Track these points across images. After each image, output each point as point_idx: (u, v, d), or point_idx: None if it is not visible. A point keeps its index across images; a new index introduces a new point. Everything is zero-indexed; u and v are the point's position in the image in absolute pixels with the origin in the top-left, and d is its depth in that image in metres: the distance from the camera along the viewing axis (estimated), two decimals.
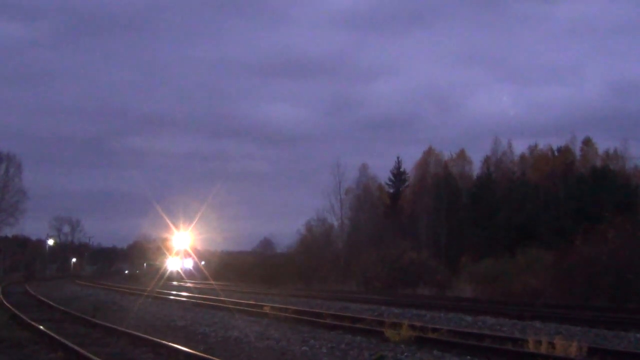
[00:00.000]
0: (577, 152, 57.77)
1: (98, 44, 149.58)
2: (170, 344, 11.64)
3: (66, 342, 11.94)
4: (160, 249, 73.16)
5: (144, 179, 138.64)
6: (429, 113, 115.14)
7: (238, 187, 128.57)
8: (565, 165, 53.99)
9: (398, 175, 62.00)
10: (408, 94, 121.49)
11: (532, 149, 60.80)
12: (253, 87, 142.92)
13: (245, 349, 12.06)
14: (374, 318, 17.09)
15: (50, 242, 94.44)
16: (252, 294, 32.64)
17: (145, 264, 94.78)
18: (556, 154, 57.77)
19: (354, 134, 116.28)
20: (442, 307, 21.98)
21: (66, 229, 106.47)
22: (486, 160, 58.55)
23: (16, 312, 19.58)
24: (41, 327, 14.88)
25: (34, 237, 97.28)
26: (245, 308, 21.58)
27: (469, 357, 10.79)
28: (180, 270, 64.94)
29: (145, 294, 30.61)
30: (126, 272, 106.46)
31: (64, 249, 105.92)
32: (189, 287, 42.24)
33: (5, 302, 24.20)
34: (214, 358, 10.00)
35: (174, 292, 33.24)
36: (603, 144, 76.52)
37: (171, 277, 59.96)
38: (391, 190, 62.91)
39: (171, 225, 60.49)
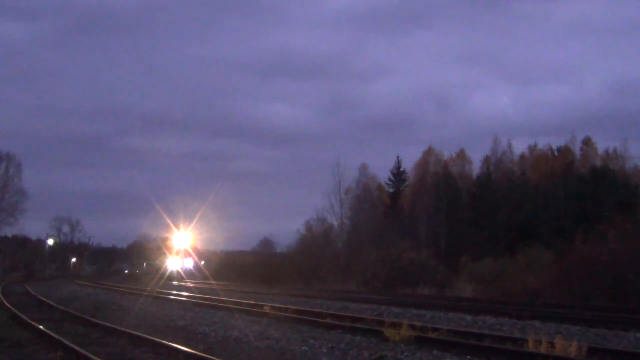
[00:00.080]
0: (577, 152, 57.83)
1: (98, 44, 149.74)
2: (171, 344, 11.64)
3: (66, 342, 11.94)
4: (160, 248, 73.24)
5: (144, 179, 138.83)
6: (429, 113, 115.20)
7: (238, 187, 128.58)
8: (565, 165, 53.98)
9: (398, 175, 62.01)
10: (408, 94, 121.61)
11: (532, 149, 60.90)
12: (253, 87, 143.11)
13: (245, 349, 12.07)
14: (374, 318, 17.09)
15: (50, 242, 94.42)
16: (252, 294, 32.64)
17: (145, 264, 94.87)
18: (556, 154, 57.80)
19: (354, 134, 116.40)
20: (442, 307, 21.97)
21: (66, 229, 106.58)
22: (486, 160, 58.57)
23: (16, 312, 19.59)
24: (41, 327, 14.88)
25: (34, 237, 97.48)
26: (246, 308, 21.58)
27: (469, 357, 10.78)
28: (180, 270, 64.97)
29: (146, 294, 30.61)
30: (126, 272, 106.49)
31: (64, 249, 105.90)
32: (189, 287, 42.24)
33: (6, 302, 24.21)
34: (214, 358, 10.00)
35: (175, 292, 33.23)
36: (603, 144, 76.52)
37: (172, 277, 59.99)
38: (391, 190, 62.91)
39: (171, 225, 60.56)
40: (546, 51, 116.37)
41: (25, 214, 66.69)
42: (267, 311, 19.50)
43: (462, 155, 62.81)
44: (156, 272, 59.68)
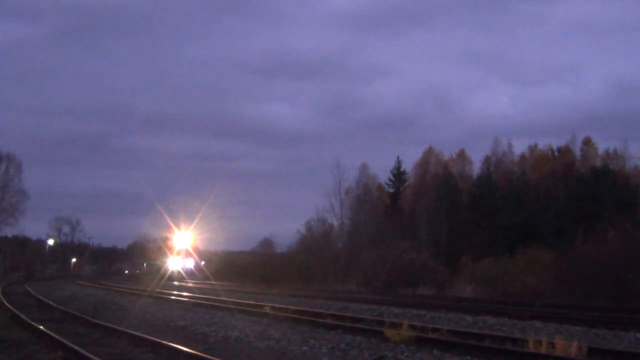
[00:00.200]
0: (577, 152, 57.86)
1: (98, 44, 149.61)
2: (171, 344, 11.64)
3: (66, 342, 11.94)
4: (161, 248, 73.26)
5: (144, 179, 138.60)
6: (429, 113, 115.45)
7: (238, 187, 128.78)
8: (565, 165, 54.00)
9: (398, 175, 62.01)
10: (408, 94, 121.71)
11: (532, 149, 60.93)
12: (253, 87, 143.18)
13: (246, 349, 12.06)
14: (374, 318, 17.09)
15: (50, 242, 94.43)
16: (252, 293, 32.64)
17: (145, 264, 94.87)
18: (556, 154, 57.80)
19: (354, 134, 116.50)
20: (442, 307, 21.96)
21: (66, 229, 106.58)
22: (486, 160, 58.62)
23: (16, 312, 19.58)
24: (41, 327, 14.87)
25: (34, 237, 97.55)
26: (246, 308, 21.58)
27: (469, 357, 10.78)
28: (181, 270, 64.99)
29: (146, 294, 30.61)
30: (126, 272, 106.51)
31: (64, 249, 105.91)
32: (190, 287, 42.24)
33: (5, 302, 24.20)
34: (214, 358, 10.00)
35: (175, 292, 33.23)
36: (603, 144, 76.63)
37: (172, 277, 60.00)
38: (391, 190, 62.91)
39: (172, 225, 60.61)
40: (546, 51, 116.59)
41: (25, 214, 66.71)
42: (267, 311, 19.50)
43: (462, 155, 62.86)
44: (156, 272, 59.71)
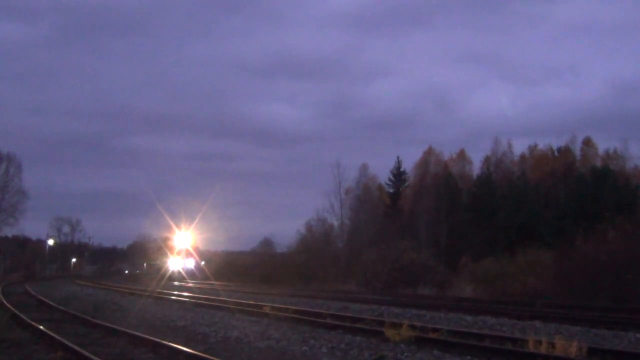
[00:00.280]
0: (577, 152, 57.85)
1: (98, 44, 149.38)
2: (171, 344, 11.64)
3: (66, 342, 11.95)
4: (161, 248, 73.27)
5: (144, 179, 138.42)
6: (429, 113, 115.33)
7: (238, 187, 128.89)
8: (565, 165, 54.00)
9: (398, 175, 61.99)
10: (408, 94, 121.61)
11: (532, 149, 60.91)
12: (253, 87, 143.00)
13: (246, 349, 12.07)
14: (374, 318, 17.09)
15: (50, 242, 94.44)
16: (252, 293, 32.64)
17: (145, 264, 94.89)
18: (556, 154, 57.81)
19: (354, 134, 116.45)
20: (442, 307, 21.95)
21: (66, 229, 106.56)
22: (486, 160, 58.60)
23: (16, 312, 19.58)
24: (41, 327, 14.87)
25: (34, 237, 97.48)
26: (246, 308, 21.58)
27: (469, 357, 10.78)
28: (181, 270, 64.99)
29: (146, 294, 30.61)
30: (126, 272, 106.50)
31: (64, 249, 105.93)
32: (190, 287, 42.25)
33: (5, 302, 24.20)
34: (214, 358, 10.00)
35: (176, 293, 33.23)
36: (603, 144, 76.51)
37: (173, 277, 59.99)
38: (391, 190, 62.90)
39: (172, 225, 60.68)
40: (546, 51, 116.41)
41: (25, 214, 66.74)
42: (267, 311, 19.50)
43: (462, 155, 62.86)
44: (156, 272, 59.71)
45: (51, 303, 24.20)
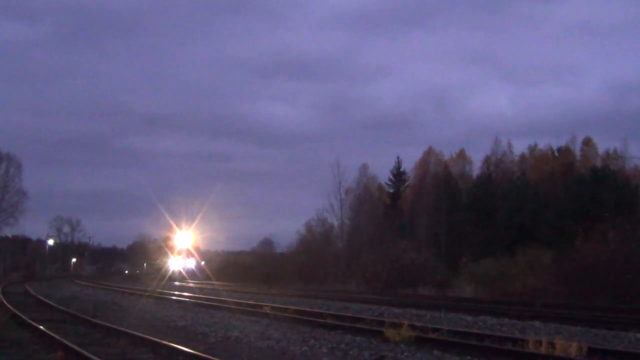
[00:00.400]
0: (577, 152, 57.87)
1: (98, 44, 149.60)
2: (171, 344, 11.64)
3: (66, 342, 11.94)
4: (161, 248, 73.36)
5: (145, 179, 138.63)
6: (429, 113, 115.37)
7: (238, 187, 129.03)
8: (565, 165, 54.01)
9: (398, 175, 62.01)
10: (408, 94, 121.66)
11: (532, 149, 60.95)
12: (253, 87, 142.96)
13: (246, 349, 12.07)
14: (374, 318, 17.09)
15: (50, 242, 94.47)
16: (253, 293, 32.65)
17: (145, 264, 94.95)
18: (556, 154, 57.82)
19: (354, 134, 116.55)
20: (442, 307, 21.97)
21: (66, 229, 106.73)
22: (486, 160, 58.62)
23: (16, 312, 19.57)
24: (41, 327, 14.87)
25: (34, 237, 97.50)
26: (246, 308, 21.59)
27: (469, 357, 10.78)
28: (182, 270, 65.02)
29: (147, 294, 30.62)
30: (126, 272, 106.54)
31: (64, 249, 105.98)
32: (191, 287, 42.23)
33: (5, 302, 24.18)
34: (214, 358, 10.00)
35: (176, 293, 33.23)
36: (603, 144, 76.58)
37: (173, 277, 60.00)
38: (391, 190, 62.92)
39: (173, 225, 60.75)
40: (546, 51, 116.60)
41: (25, 214, 66.60)
42: (267, 311, 19.51)
43: (462, 155, 62.89)
44: (157, 272, 59.75)
45: (51, 303, 24.20)
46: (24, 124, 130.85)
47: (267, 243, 70.06)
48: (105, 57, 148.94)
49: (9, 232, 77.45)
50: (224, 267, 65.05)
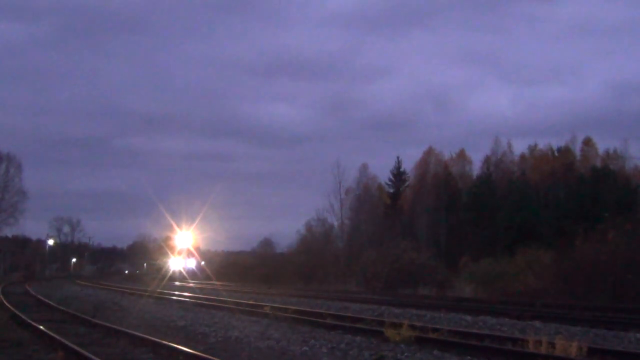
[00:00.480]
0: (577, 152, 57.87)
1: (98, 44, 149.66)
2: (171, 344, 11.65)
3: (66, 342, 11.95)
4: (161, 248, 73.36)
5: (145, 179, 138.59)
6: (429, 113, 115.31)
7: (238, 187, 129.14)
8: (565, 165, 54.02)
9: (398, 175, 62.03)
10: (408, 94, 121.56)
11: (532, 149, 60.95)
12: (253, 87, 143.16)
13: (246, 349, 12.07)
14: (374, 318, 17.09)
15: (50, 242, 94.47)
16: (253, 293, 32.65)
17: (145, 264, 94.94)
18: (556, 154, 57.82)
19: (354, 134, 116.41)
20: (442, 307, 21.96)
21: (66, 229, 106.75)
22: (486, 160, 58.64)
23: (16, 312, 19.57)
24: (41, 327, 14.87)
25: (34, 237, 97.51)
26: (246, 308, 21.58)
27: (469, 357, 10.78)
28: (182, 270, 65.00)
29: (147, 294, 30.62)
30: (126, 272, 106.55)
31: (64, 249, 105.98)
32: (191, 287, 42.22)
33: (5, 302, 24.18)
34: (214, 358, 10.00)
35: (177, 293, 33.23)
36: (603, 144, 76.52)
37: (173, 277, 59.98)
38: (391, 190, 62.94)
39: (173, 225, 60.77)
40: (546, 51, 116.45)
41: (25, 214, 66.75)
42: (267, 311, 19.50)
43: (462, 155, 62.89)
44: (157, 272, 59.74)
45: (51, 303, 24.20)
46: (24, 124, 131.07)
47: (267, 243, 70.11)
48: (105, 57, 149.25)
49: (9, 232, 77.65)
50: (224, 267, 65.03)
